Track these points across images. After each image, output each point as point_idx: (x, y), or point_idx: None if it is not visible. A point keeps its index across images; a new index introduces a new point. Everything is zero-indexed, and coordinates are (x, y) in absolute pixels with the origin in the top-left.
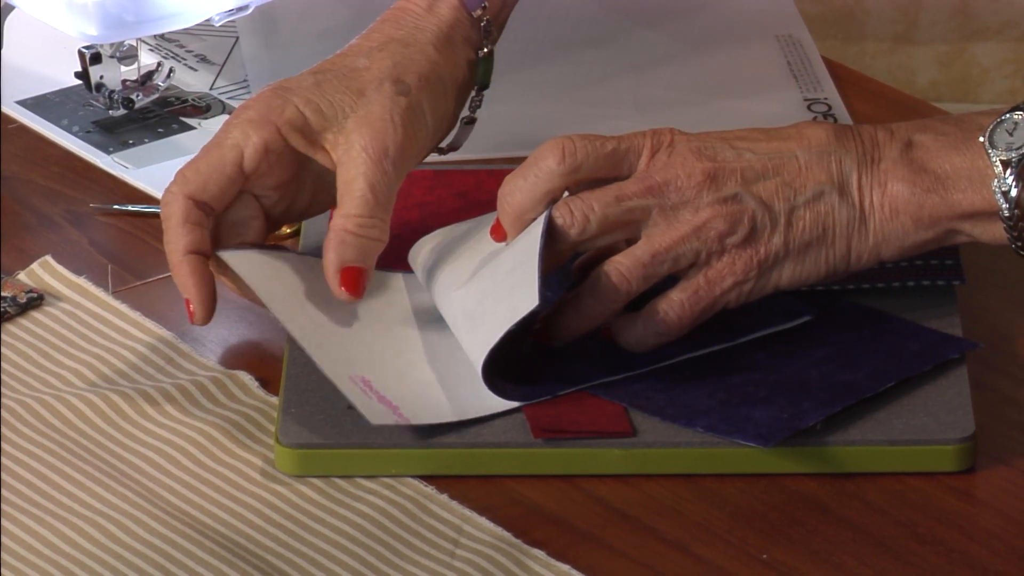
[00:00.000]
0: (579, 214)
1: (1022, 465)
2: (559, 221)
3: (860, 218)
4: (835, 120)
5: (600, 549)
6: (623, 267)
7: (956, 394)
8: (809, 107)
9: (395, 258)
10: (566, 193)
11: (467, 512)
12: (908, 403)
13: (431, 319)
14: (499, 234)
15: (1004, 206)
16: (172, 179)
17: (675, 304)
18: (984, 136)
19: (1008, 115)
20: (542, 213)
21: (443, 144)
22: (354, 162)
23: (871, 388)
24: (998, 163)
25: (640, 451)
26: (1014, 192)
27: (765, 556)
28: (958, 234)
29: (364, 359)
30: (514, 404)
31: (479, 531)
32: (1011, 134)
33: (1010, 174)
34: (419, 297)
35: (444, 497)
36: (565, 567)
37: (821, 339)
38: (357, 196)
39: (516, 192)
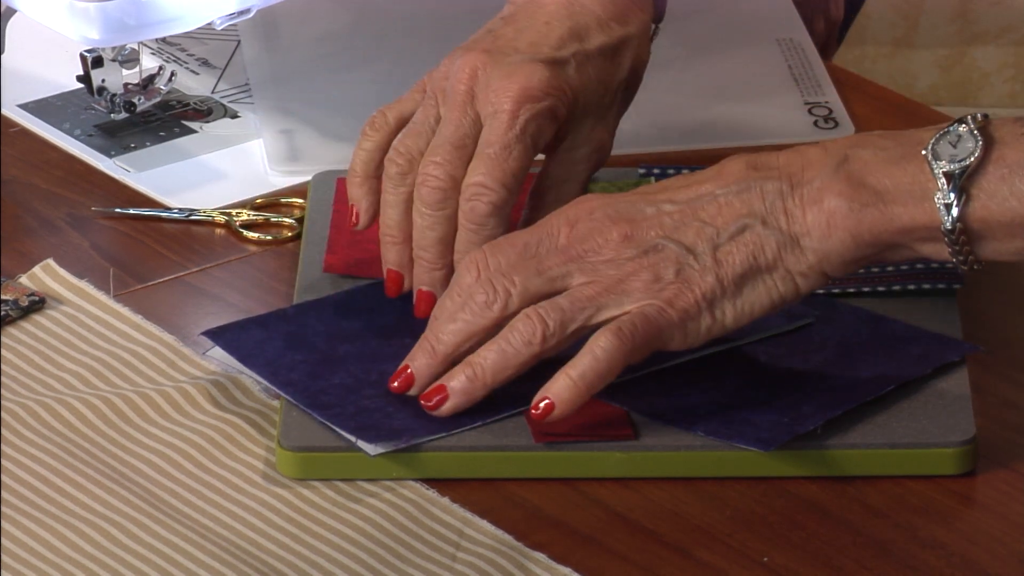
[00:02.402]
0: (500, 289)
1: (1023, 468)
2: (480, 298)
3: (792, 242)
4: (836, 124)
5: (601, 552)
6: (541, 308)
7: (956, 397)
8: (810, 111)
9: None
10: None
11: (468, 515)
12: (908, 406)
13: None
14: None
15: (946, 219)
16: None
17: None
18: (927, 149)
19: (952, 127)
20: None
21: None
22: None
23: (871, 391)
24: (941, 176)
25: (641, 454)
26: (956, 207)
27: (766, 559)
28: (902, 248)
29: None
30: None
31: (480, 534)
32: (954, 146)
33: (952, 187)
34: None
35: (445, 500)
36: (566, 570)
37: (821, 342)
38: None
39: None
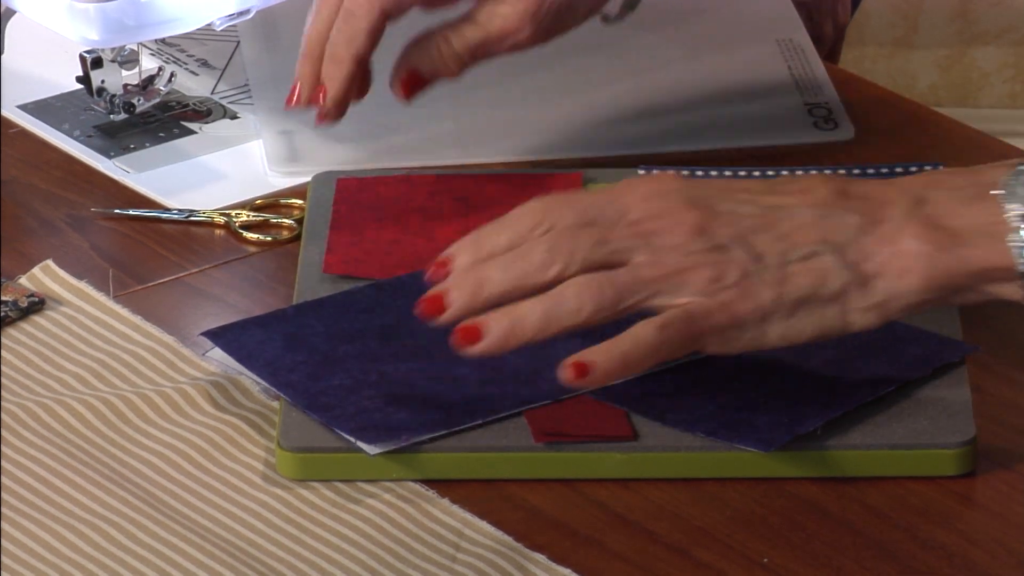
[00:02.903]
0: (562, 253)
1: (1022, 468)
2: (539, 257)
3: (859, 280)
4: (836, 124)
5: (601, 553)
6: (598, 281)
7: (956, 398)
8: (810, 111)
9: (394, 263)
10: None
11: (468, 516)
12: (908, 407)
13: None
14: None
15: (1021, 262)
16: None
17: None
18: (1000, 189)
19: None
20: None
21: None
22: None
23: (871, 392)
24: (1015, 216)
25: (641, 455)
26: None
27: (766, 560)
28: (968, 292)
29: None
30: (514, 410)
31: (480, 535)
32: None
33: None
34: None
35: (445, 501)
36: (566, 571)
37: (821, 344)
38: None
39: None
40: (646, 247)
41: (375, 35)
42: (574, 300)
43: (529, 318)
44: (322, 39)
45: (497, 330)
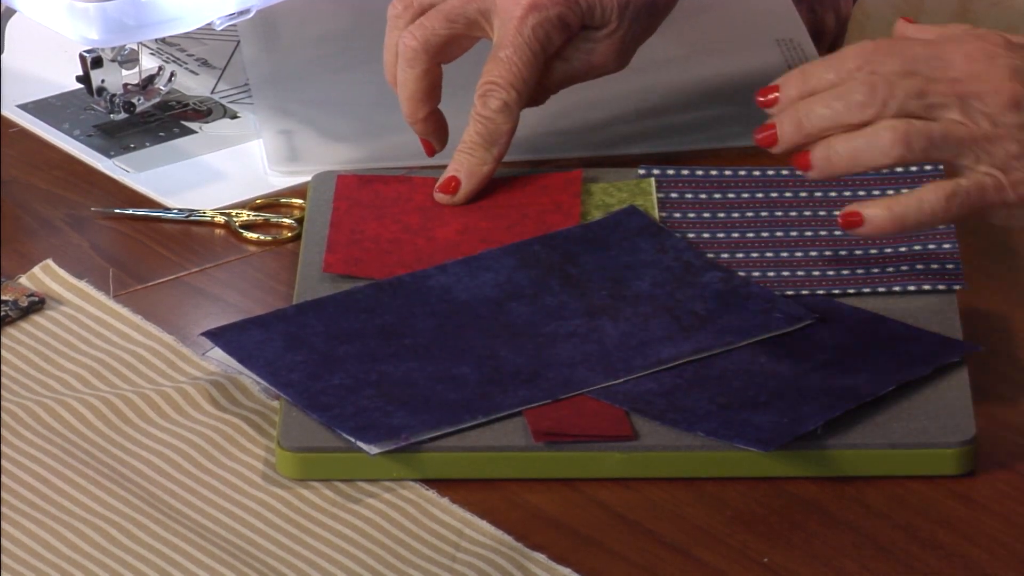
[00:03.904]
0: (881, 97)
1: (1022, 468)
2: (859, 97)
3: None
4: None
5: (601, 553)
6: (913, 131)
7: (956, 397)
8: None
9: (394, 263)
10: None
11: (468, 516)
12: (908, 407)
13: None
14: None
15: None
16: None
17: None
18: None
19: None
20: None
21: None
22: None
23: (871, 392)
24: None
25: (641, 455)
26: None
27: (766, 559)
28: None
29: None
30: (515, 408)
31: (480, 535)
32: None
33: None
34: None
35: (445, 501)
36: (566, 571)
37: (821, 343)
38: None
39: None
40: (961, 107)
41: (512, 136)
42: (886, 142)
43: (841, 152)
44: (419, 95)
45: (815, 161)
